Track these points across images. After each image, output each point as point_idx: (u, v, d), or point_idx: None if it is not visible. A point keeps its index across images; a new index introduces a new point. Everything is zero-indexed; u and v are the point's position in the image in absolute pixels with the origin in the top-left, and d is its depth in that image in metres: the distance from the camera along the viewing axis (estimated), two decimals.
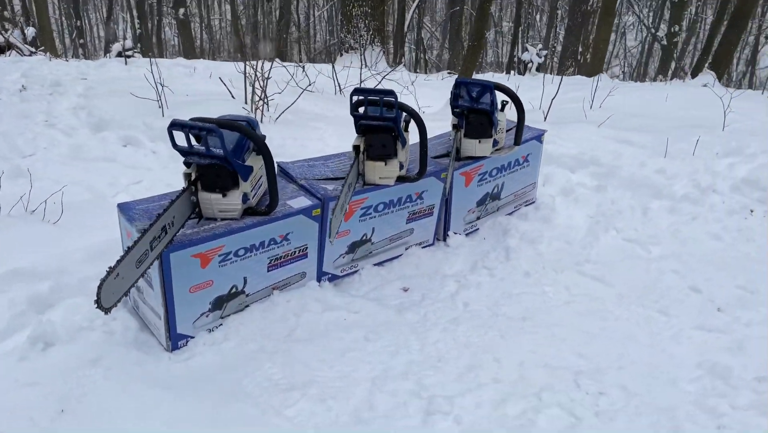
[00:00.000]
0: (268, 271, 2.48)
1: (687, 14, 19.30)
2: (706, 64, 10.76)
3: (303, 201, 2.51)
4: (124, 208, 2.32)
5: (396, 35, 12.56)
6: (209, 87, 5.97)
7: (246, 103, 5.10)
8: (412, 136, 2.89)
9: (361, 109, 2.64)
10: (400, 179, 2.77)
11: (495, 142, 3.09)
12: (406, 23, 12.49)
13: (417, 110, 2.67)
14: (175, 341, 2.29)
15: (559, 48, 16.25)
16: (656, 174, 4.20)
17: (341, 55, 11.95)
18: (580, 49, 10.92)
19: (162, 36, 21.75)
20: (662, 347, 2.48)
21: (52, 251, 2.72)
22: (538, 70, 15.69)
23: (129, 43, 8.78)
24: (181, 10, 17.41)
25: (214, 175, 2.23)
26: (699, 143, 4.97)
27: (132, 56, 8.67)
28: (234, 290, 2.39)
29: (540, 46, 16.27)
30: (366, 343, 2.42)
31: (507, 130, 3.34)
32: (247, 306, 2.48)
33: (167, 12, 20.93)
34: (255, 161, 2.38)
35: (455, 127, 3.09)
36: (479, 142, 3.04)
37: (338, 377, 2.23)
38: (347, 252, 2.79)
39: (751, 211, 3.96)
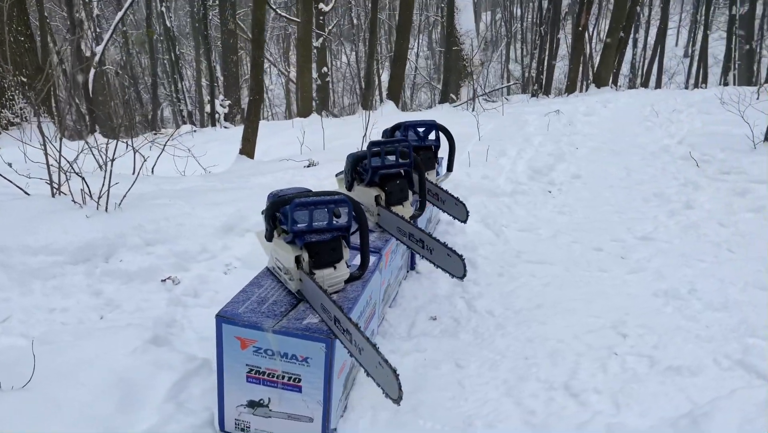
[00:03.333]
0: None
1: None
2: (385, 96, 12.83)
3: None
4: (234, 317, 1.95)
5: (89, 101, 11.30)
6: None
7: (54, 196, 4.21)
8: None
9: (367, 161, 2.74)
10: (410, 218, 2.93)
11: (437, 173, 3.48)
12: (90, 88, 11.35)
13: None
14: None
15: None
16: (483, 180, 5.15)
17: None
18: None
19: None
20: (626, 292, 3.27)
21: (76, 414, 2.01)
22: (225, 119, 16.18)
23: None
24: None
25: (330, 249, 2.09)
26: (475, 152, 6.18)
27: None
28: (353, 363, 2.24)
29: (221, 97, 16.71)
30: (463, 369, 2.56)
31: None
32: (355, 378, 2.34)
33: None
34: None
35: None
36: (427, 174, 3.38)
37: (480, 404, 2.34)
38: (382, 300, 2.81)
39: (549, 192, 5.22)
